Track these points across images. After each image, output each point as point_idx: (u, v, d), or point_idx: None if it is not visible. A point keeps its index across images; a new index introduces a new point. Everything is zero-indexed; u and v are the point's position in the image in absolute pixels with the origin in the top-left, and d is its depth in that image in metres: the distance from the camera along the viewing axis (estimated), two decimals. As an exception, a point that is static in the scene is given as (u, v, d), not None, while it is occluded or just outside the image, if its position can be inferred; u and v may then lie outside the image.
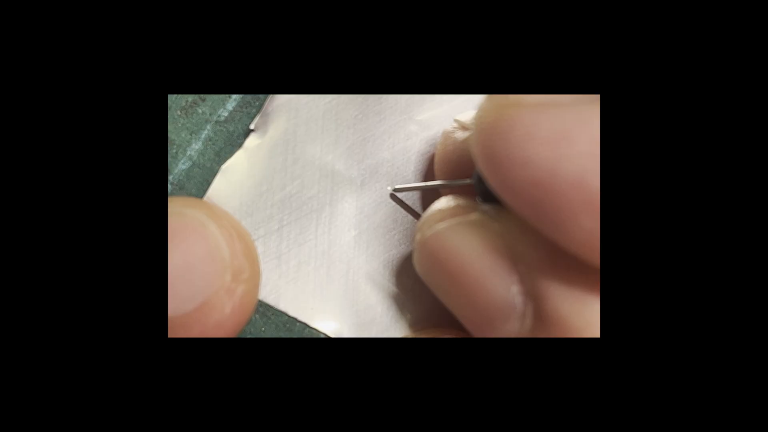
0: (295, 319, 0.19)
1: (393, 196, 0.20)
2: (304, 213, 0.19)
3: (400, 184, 0.20)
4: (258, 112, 0.20)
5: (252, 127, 0.20)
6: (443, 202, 0.17)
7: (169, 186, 0.20)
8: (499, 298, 0.15)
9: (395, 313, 0.19)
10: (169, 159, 0.20)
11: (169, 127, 0.20)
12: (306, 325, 0.19)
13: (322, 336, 0.19)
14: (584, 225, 0.13)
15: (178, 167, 0.20)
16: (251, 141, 0.20)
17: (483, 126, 0.13)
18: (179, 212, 0.17)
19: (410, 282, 0.19)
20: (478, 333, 0.16)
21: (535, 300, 0.14)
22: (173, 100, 0.20)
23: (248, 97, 0.20)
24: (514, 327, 0.15)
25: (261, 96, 0.20)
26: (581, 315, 0.14)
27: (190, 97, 0.20)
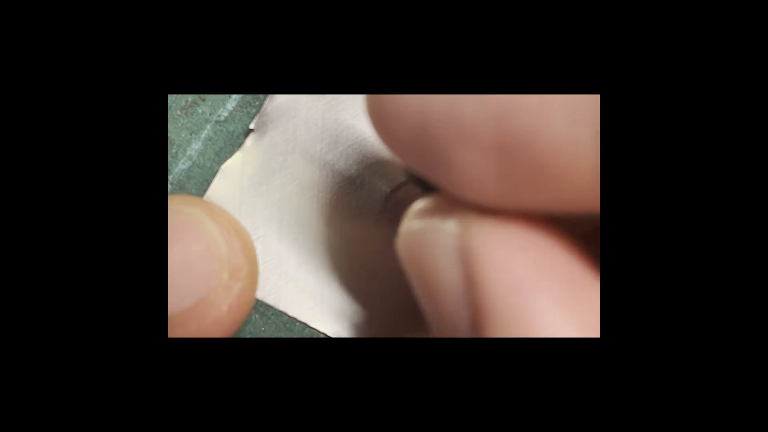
0: (295, 319, 0.19)
1: (392, 196, 0.20)
2: (304, 213, 0.19)
3: (399, 184, 0.20)
4: (258, 111, 0.20)
5: (252, 127, 0.20)
6: (429, 201, 0.16)
7: (169, 186, 0.20)
8: (448, 315, 0.14)
9: (395, 313, 0.19)
10: (169, 159, 0.20)
11: (169, 127, 0.20)
12: (306, 325, 0.19)
13: (322, 336, 0.19)
14: (463, 159, 0.13)
15: (178, 167, 0.20)
16: (251, 141, 0.20)
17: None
18: (177, 210, 0.17)
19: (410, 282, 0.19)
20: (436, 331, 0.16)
21: (477, 331, 0.14)
22: (173, 100, 0.20)
23: (248, 97, 0.20)
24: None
25: (261, 96, 0.20)
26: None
27: (190, 97, 0.20)
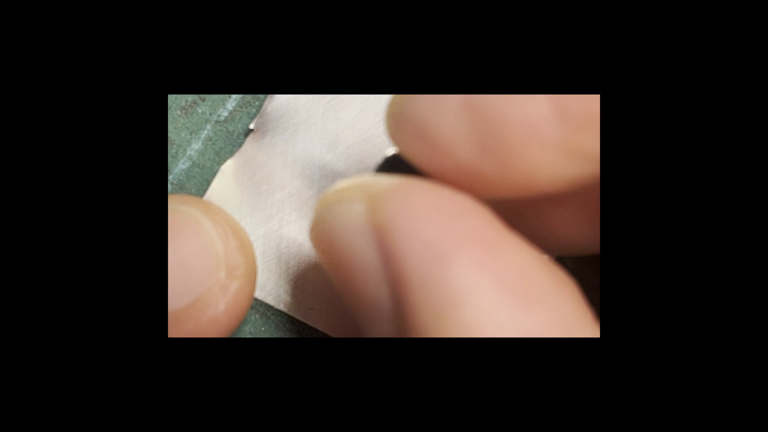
0: (295, 319, 0.19)
1: None
2: (304, 213, 0.19)
3: None
4: (258, 111, 0.20)
5: (252, 126, 0.20)
6: (333, 188, 0.16)
7: (170, 186, 0.20)
8: (368, 294, 0.14)
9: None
10: (169, 159, 0.20)
11: (169, 127, 0.20)
12: (306, 325, 0.19)
13: (322, 336, 0.19)
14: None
15: (178, 167, 0.20)
16: (251, 141, 0.20)
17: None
18: (174, 208, 0.17)
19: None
20: (359, 324, 0.15)
21: (399, 304, 0.14)
22: (173, 100, 0.20)
23: (248, 97, 0.20)
24: (382, 329, 0.14)
25: (261, 96, 0.20)
26: (439, 327, 0.13)
27: (190, 97, 0.20)
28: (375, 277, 0.14)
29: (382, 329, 0.14)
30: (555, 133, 0.14)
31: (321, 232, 0.15)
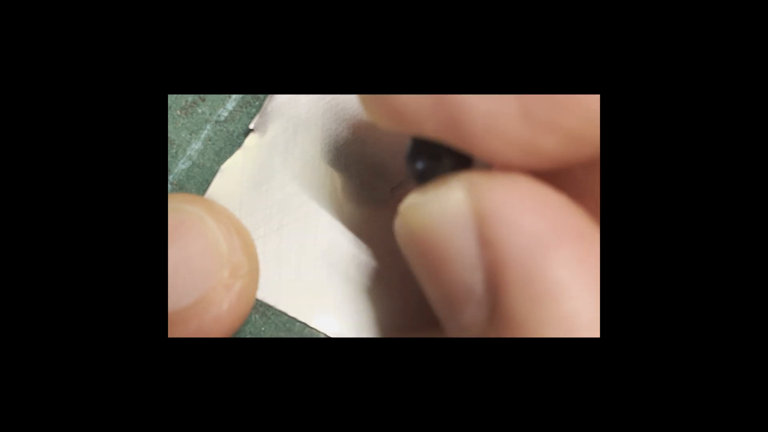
0: (295, 319, 0.19)
1: (392, 195, 0.20)
2: (303, 213, 0.19)
3: (399, 183, 0.20)
4: (258, 111, 0.20)
5: (252, 126, 0.20)
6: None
7: (169, 186, 0.20)
8: (460, 280, 0.15)
9: (395, 313, 0.19)
10: (169, 159, 0.20)
11: (169, 127, 0.20)
12: (306, 325, 0.19)
13: (322, 336, 0.19)
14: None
15: (178, 167, 0.20)
16: (251, 141, 0.20)
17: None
18: (178, 208, 0.17)
19: (409, 281, 0.19)
20: (440, 315, 0.16)
21: (494, 290, 0.14)
22: (173, 100, 0.20)
23: (248, 97, 0.20)
24: (472, 315, 0.15)
25: (261, 96, 0.20)
26: (535, 315, 0.14)
27: (190, 97, 0.20)
28: (470, 262, 0.14)
29: (471, 315, 0.15)
30: (516, 132, 0.14)
31: (411, 218, 0.15)
